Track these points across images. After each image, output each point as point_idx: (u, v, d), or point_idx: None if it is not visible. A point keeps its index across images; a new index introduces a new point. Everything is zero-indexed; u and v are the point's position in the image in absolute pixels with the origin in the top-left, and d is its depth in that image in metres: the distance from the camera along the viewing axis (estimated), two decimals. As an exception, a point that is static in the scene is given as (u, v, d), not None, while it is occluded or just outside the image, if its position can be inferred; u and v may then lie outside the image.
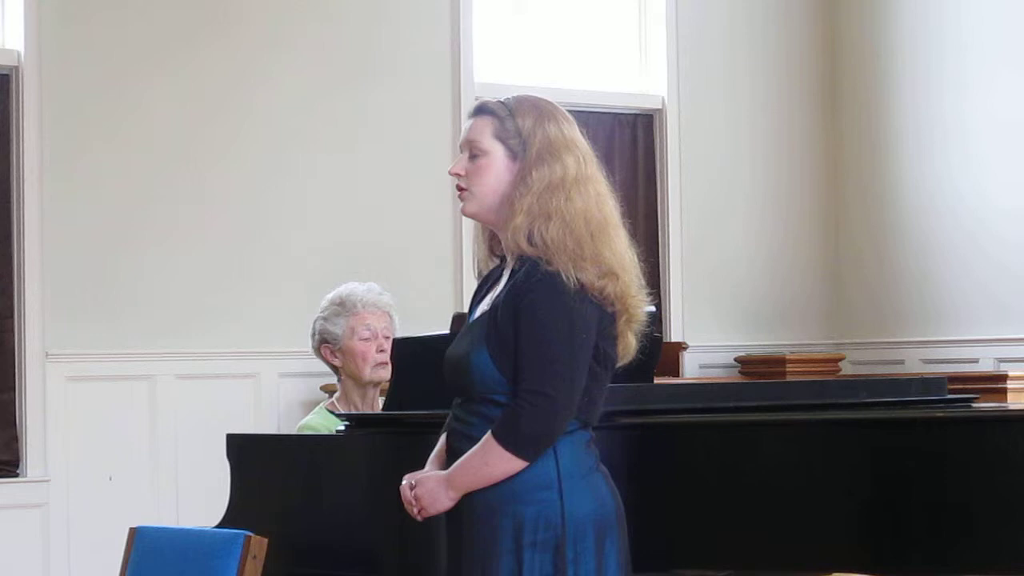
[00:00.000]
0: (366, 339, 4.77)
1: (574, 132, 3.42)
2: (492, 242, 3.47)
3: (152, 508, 7.03)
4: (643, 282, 3.41)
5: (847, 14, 8.97)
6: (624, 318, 3.36)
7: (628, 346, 3.39)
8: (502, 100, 3.44)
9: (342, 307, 4.81)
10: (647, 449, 4.08)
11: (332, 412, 4.70)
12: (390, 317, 4.84)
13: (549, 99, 3.47)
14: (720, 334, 8.65)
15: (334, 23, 7.71)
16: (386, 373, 4.72)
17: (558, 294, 3.27)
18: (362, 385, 4.79)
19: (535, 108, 3.41)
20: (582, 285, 3.28)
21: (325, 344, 4.81)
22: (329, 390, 6.99)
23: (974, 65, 8.41)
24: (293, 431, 5.36)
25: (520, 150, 3.38)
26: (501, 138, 3.39)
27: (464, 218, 3.54)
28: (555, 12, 8.45)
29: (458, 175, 3.43)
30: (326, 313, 4.83)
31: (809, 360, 8.47)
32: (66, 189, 7.09)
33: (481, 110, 3.44)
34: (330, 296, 4.88)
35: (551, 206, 3.32)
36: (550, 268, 3.28)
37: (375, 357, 4.75)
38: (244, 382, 7.42)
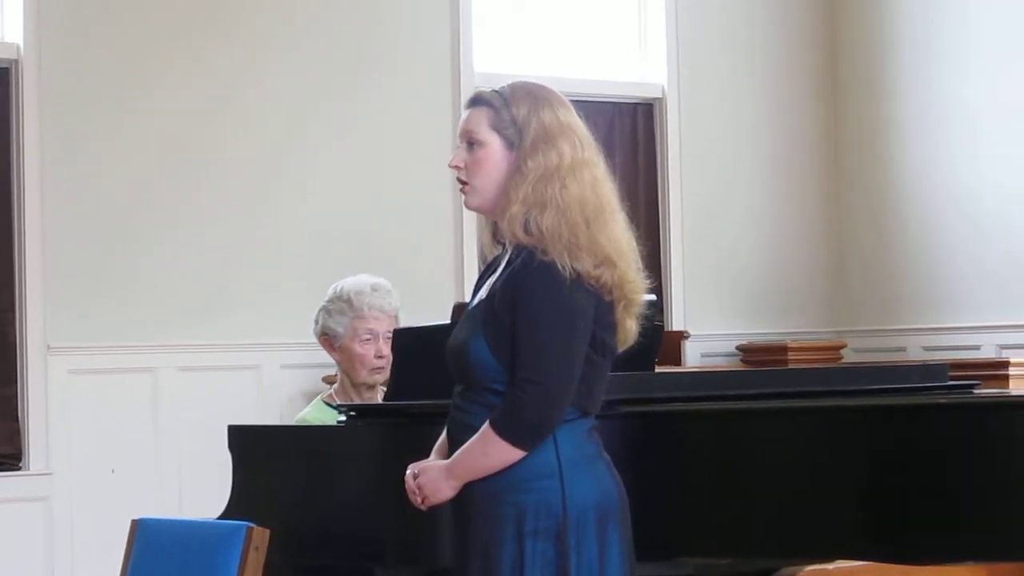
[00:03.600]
0: (367, 341, 4.73)
1: (570, 117, 3.41)
2: (495, 228, 3.46)
3: (154, 500, 7.03)
4: (641, 265, 3.41)
5: (847, 1, 8.96)
6: (622, 304, 3.36)
7: (628, 332, 3.39)
8: (497, 89, 3.44)
9: (348, 306, 4.74)
10: (648, 438, 4.08)
11: (329, 404, 4.68)
12: (396, 320, 4.79)
13: (546, 85, 3.47)
14: (721, 322, 8.65)
15: (334, 16, 7.70)
16: (381, 377, 4.68)
17: (554, 284, 3.27)
18: (356, 385, 4.76)
19: (530, 95, 3.41)
20: (578, 274, 3.28)
21: (325, 337, 4.79)
22: (331, 381, 7.00)
23: (975, 50, 8.40)
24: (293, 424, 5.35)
25: (516, 139, 3.37)
26: (497, 128, 3.39)
27: (465, 208, 3.54)
28: (555, 1, 8.45)
29: (458, 168, 3.43)
30: (331, 307, 4.77)
31: (811, 348, 8.47)
32: (66, 182, 7.09)
33: (477, 101, 3.44)
34: (338, 288, 4.80)
35: (546, 194, 3.32)
36: (546, 258, 3.28)
37: (373, 361, 4.71)
38: (246, 374, 7.41)
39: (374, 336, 4.71)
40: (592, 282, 3.30)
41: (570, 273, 3.28)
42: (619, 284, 3.34)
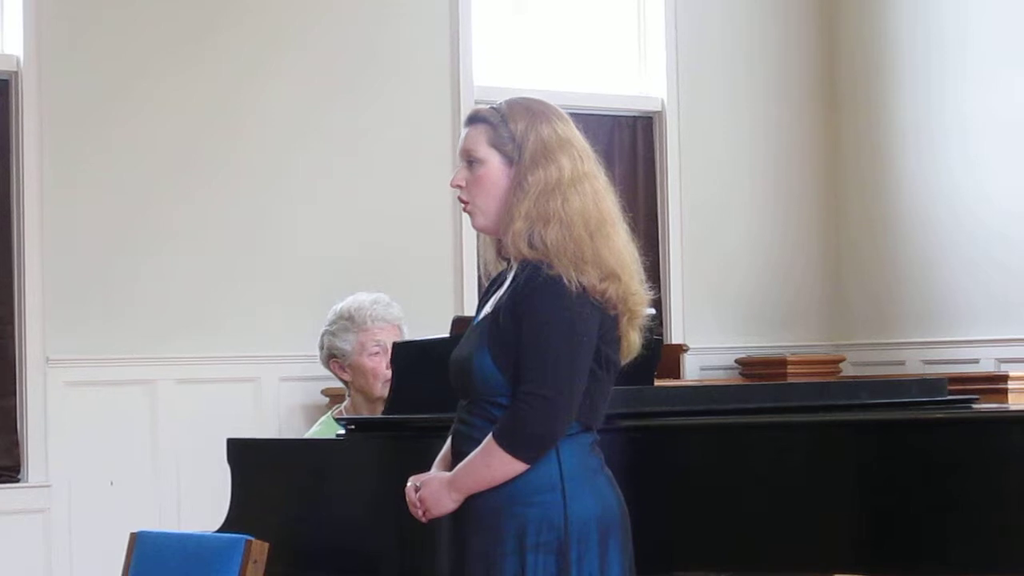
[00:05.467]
0: (376, 354, 4.67)
1: (569, 130, 3.41)
2: (499, 244, 3.46)
3: (153, 513, 7.03)
4: (644, 276, 3.41)
5: (846, 15, 8.97)
6: (626, 318, 3.36)
7: (631, 344, 3.39)
8: (495, 106, 3.44)
9: (351, 322, 4.70)
10: (648, 451, 4.08)
11: (339, 421, 4.65)
12: (400, 330, 4.76)
13: (543, 99, 3.48)
14: (721, 336, 8.65)
15: (333, 28, 7.71)
16: None
17: (559, 297, 3.27)
18: (372, 401, 4.71)
19: (527, 110, 3.41)
20: (584, 288, 3.29)
21: (334, 359, 4.71)
22: (330, 394, 6.99)
23: (974, 64, 8.41)
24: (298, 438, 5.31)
25: (515, 155, 3.38)
26: (496, 145, 3.39)
27: (465, 222, 3.54)
28: (554, 15, 8.46)
29: (459, 187, 3.43)
30: (334, 328, 4.72)
31: (810, 361, 8.47)
32: (66, 194, 7.09)
33: (475, 119, 3.44)
34: (338, 309, 4.75)
35: (549, 209, 3.32)
36: (552, 272, 3.28)
37: (385, 373, 4.64)
38: (245, 386, 7.41)
39: (383, 348, 4.66)
40: (597, 296, 3.30)
41: (576, 287, 3.28)
42: (623, 298, 3.34)
